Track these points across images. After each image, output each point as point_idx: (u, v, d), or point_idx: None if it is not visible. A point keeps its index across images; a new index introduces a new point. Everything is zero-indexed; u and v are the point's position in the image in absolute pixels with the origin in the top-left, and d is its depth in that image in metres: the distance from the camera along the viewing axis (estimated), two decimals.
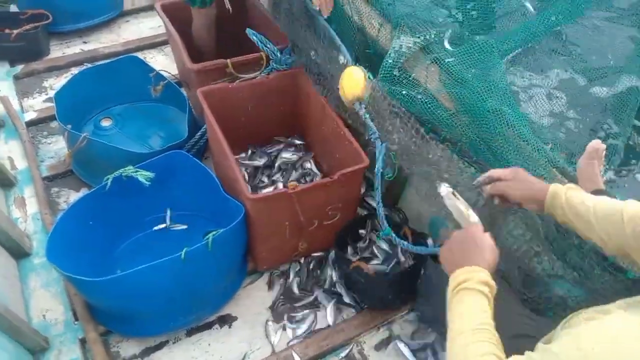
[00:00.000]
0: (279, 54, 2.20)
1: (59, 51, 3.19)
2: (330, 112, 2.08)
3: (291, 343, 1.92)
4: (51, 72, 3.04)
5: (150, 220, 2.20)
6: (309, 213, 1.90)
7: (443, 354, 1.87)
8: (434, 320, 1.92)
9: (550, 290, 1.55)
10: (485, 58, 1.66)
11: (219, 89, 2.13)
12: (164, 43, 3.21)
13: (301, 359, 1.86)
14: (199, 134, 2.33)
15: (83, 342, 1.88)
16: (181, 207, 2.22)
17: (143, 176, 1.95)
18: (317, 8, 2.02)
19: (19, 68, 3.00)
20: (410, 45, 1.76)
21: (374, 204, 2.02)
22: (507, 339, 1.00)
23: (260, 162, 2.32)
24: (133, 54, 2.92)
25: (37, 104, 2.82)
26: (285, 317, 2.00)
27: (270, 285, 2.09)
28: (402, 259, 2.04)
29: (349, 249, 2.10)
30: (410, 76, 1.79)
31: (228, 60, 2.17)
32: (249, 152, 2.40)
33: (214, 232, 1.74)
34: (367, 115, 1.80)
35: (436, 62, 1.74)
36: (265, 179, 2.30)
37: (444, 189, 1.40)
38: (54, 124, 2.66)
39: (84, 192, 2.38)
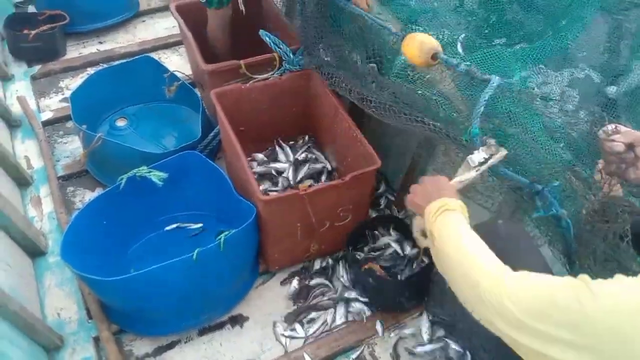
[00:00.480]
0: (291, 55, 2.20)
1: (75, 51, 3.23)
2: (343, 112, 2.08)
3: (302, 344, 1.93)
4: (67, 72, 3.08)
5: (163, 220, 2.22)
6: (321, 214, 1.91)
7: (454, 355, 1.87)
8: (446, 322, 1.91)
9: None
10: (503, 66, 1.65)
11: (232, 90, 2.14)
12: (179, 43, 3.23)
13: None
14: (212, 134, 2.34)
15: (97, 340, 1.90)
16: (194, 207, 2.23)
17: (156, 176, 1.97)
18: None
19: (36, 68, 3.04)
20: None
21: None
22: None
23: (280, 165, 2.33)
24: (148, 54, 2.93)
25: (53, 104, 2.86)
26: (297, 317, 2.00)
27: (284, 285, 2.10)
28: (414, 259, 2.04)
29: (361, 251, 2.09)
30: (425, 76, 1.77)
31: (241, 62, 2.17)
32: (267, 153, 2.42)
33: (226, 233, 1.74)
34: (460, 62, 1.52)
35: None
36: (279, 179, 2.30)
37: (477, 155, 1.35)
38: (70, 124, 2.69)
39: (98, 191, 2.40)
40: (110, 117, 2.69)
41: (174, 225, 2.23)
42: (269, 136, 2.40)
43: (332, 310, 2.01)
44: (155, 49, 3.23)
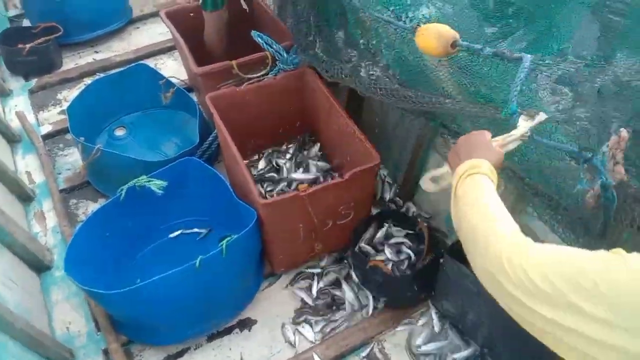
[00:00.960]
0: (285, 54, 2.18)
1: (71, 62, 3.23)
2: (338, 109, 2.06)
3: (311, 344, 1.92)
4: (64, 84, 3.08)
5: (166, 227, 2.21)
6: (322, 214, 1.89)
7: (459, 347, 1.85)
8: (453, 316, 1.89)
9: None
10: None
11: (226, 94, 2.13)
12: (174, 48, 3.21)
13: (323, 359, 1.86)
14: (210, 139, 2.33)
15: (106, 352, 1.91)
16: (196, 213, 2.22)
17: (156, 185, 1.96)
18: None
19: (33, 82, 3.04)
20: None
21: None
22: None
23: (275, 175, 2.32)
24: (142, 62, 2.93)
25: (52, 117, 2.86)
26: (306, 318, 1.99)
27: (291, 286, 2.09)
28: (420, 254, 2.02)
29: (366, 248, 2.07)
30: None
31: (233, 62, 2.16)
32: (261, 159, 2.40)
33: (228, 239, 1.73)
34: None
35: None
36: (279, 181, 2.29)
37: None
38: (69, 136, 2.68)
39: (101, 202, 2.40)
40: (109, 126, 2.69)
41: (178, 232, 2.23)
42: (267, 137, 2.39)
43: (340, 308, 2.00)
44: (150, 55, 3.23)
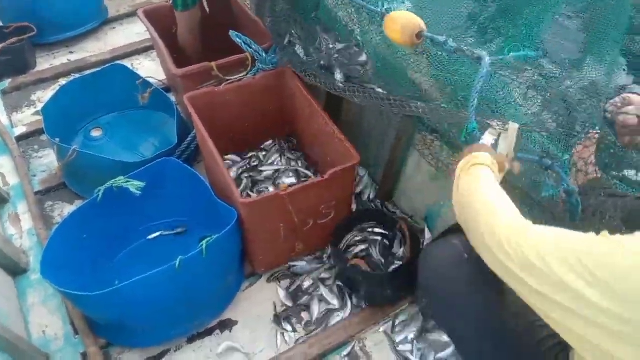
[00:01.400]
0: (264, 54, 2.18)
1: (46, 63, 3.17)
2: (318, 108, 2.06)
3: (294, 344, 1.92)
4: (39, 84, 3.02)
5: (145, 228, 2.19)
6: (303, 213, 1.89)
7: (442, 346, 1.87)
8: (434, 313, 1.90)
9: None
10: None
11: (205, 94, 2.11)
12: (151, 48, 3.19)
13: (305, 359, 1.85)
14: (188, 139, 2.31)
15: (84, 356, 1.87)
16: (175, 213, 2.20)
17: (134, 186, 1.94)
18: None
19: (7, 82, 2.98)
20: None
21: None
22: None
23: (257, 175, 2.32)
24: (119, 62, 2.90)
25: (26, 118, 2.81)
26: (287, 318, 1.99)
27: (271, 286, 2.09)
28: (400, 253, 2.03)
29: (346, 247, 2.08)
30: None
31: (213, 64, 2.15)
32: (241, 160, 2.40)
33: (207, 239, 1.72)
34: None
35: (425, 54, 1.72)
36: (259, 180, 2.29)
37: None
38: (44, 137, 2.64)
39: (77, 204, 2.36)
40: (85, 127, 2.65)
41: (157, 234, 2.20)
42: (246, 137, 2.38)
43: (321, 308, 2.00)
44: (127, 55, 3.19)
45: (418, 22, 1.44)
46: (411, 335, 1.91)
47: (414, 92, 1.66)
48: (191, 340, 1.94)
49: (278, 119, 2.38)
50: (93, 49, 3.27)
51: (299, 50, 2.00)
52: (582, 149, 1.30)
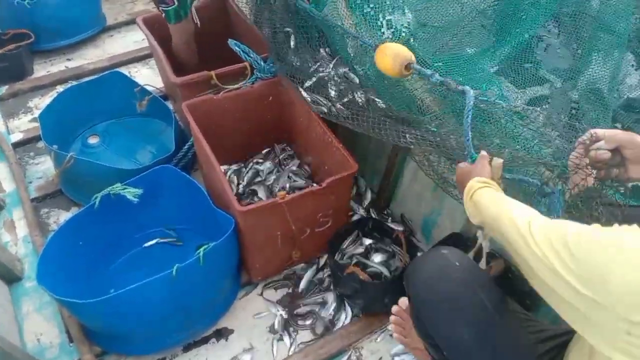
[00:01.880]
0: (262, 63, 2.19)
1: (43, 70, 3.17)
2: (316, 117, 2.06)
3: (290, 353, 1.91)
4: (36, 91, 3.02)
5: (142, 236, 2.18)
6: (301, 221, 1.89)
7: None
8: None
9: None
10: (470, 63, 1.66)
11: (204, 102, 2.11)
12: (149, 56, 3.20)
13: None
14: (186, 146, 2.31)
15: None
16: (172, 221, 2.20)
17: (131, 193, 1.93)
18: None
19: (4, 89, 2.98)
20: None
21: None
22: None
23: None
24: (117, 69, 2.90)
25: (23, 125, 2.80)
26: (283, 327, 1.98)
27: (267, 295, 2.08)
28: (397, 262, 2.04)
29: (343, 255, 2.08)
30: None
31: (212, 73, 2.16)
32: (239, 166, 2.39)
33: (204, 247, 1.72)
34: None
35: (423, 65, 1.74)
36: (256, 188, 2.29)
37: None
38: (41, 144, 2.64)
39: (74, 211, 2.36)
40: (82, 134, 2.65)
41: (154, 241, 2.20)
42: (244, 145, 2.38)
43: (317, 316, 2.00)
44: (125, 63, 3.19)
45: (407, 55, 1.53)
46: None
47: (412, 106, 1.68)
48: (187, 348, 1.93)
49: (276, 127, 2.39)
50: (91, 57, 3.28)
51: (296, 62, 2.00)
52: (576, 157, 1.31)
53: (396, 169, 2.11)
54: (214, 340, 1.96)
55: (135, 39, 3.39)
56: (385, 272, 2.00)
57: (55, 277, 1.77)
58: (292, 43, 2.02)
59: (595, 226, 0.89)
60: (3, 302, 1.97)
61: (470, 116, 1.35)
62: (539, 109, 1.42)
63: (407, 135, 1.61)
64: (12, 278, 2.09)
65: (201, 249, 1.71)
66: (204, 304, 1.90)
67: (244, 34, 2.49)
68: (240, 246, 1.94)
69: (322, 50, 1.98)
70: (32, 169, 2.58)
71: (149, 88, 2.51)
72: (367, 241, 2.10)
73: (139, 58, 3.22)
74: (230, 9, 2.64)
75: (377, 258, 2.04)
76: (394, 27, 1.67)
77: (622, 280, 0.77)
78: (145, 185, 1.99)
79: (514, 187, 1.41)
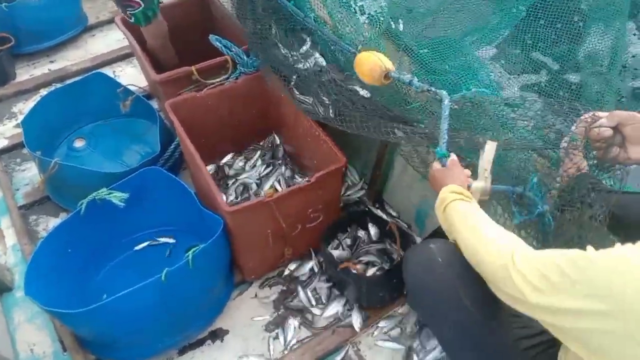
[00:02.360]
0: (245, 57, 2.14)
1: (26, 73, 3.11)
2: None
3: (286, 351, 1.89)
4: (19, 96, 2.96)
5: (131, 240, 2.15)
6: (291, 218, 1.86)
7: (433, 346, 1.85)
8: (421, 316, 1.88)
9: None
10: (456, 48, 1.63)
11: (186, 100, 2.07)
12: (132, 55, 3.14)
13: None
14: (172, 146, 2.27)
15: None
16: (162, 223, 2.17)
17: (117, 198, 1.90)
18: None
19: None
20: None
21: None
22: None
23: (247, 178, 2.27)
24: (100, 70, 2.85)
25: (7, 131, 2.76)
26: (278, 325, 1.96)
27: (262, 293, 2.05)
28: (394, 255, 2.01)
29: (336, 250, 2.05)
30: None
31: (193, 68, 2.11)
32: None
33: (194, 249, 1.69)
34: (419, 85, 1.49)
35: (407, 53, 1.70)
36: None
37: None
38: (27, 150, 2.58)
39: (63, 217, 2.32)
40: (67, 138, 2.60)
41: (145, 244, 2.17)
42: (232, 142, 2.35)
43: (313, 313, 1.97)
44: (108, 62, 3.14)
45: (382, 66, 1.51)
46: (402, 334, 1.90)
47: (398, 100, 1.64)
48: (182, 351, 1.91)
49: (263, 122, 2.35)
50: (74, 58, 3.22)
51: (279, 56, 1.95)
52: (569, 145, 1.28)
53: (386, 160, 2.07)
54: (209, 341, 1.93)
55: (118, 37, 3.31)
56: (378, 262, 1.98)
57: (44, 287, 1.74)
58: (274, 38, 1.97)
59: (576, 251, 0.89)
60: None
61: (447, 123, 1.34)
62: (530, 97, 1.38)
63: (397, 131, 1.57)
64: (2, 288, 2.06)
65: (190, 252, 1.68)
66: (197, 306, 1.88)
67: (226, 26, 2.44)
68: (231, 246, 1.91)
69: (305, 45, 1.93)
70: (18, 175, 2.54)
71: (131, 88, 2.47)
72: (360, 235, 2.07)
73: (122, 57, 3.17)
74: (211, 3, 2.59)
75: (370, 251, 2.02)
76: (367, 13, 1.62)
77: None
78: (131, 188, 1.95)
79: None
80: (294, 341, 1.91)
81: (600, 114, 1.17)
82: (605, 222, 1.15)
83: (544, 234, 1.32)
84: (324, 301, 2.00)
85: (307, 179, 1.82)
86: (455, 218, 1.19)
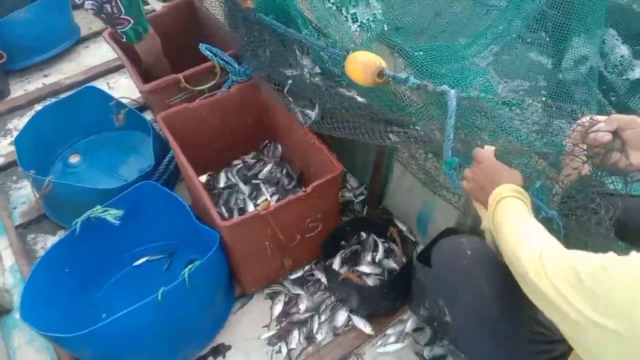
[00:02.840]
0: (237, 66, 2.10)
1: (20, 89, 3.09)
2: None
3: None
4: (14, 112, 2.95)
5: (129, 256, 2.12)
6: (288, 229, 1.82)
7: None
8: (430, 321, 1.84)
9: None
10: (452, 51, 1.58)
11: (179, 112, 2.03)
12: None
13: None
14: (167, 159, 2.23)
15: None
16: (159, 238, 2.14)
17: (111, 215, 1.87)
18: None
19: None
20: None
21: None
22: None
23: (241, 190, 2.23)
24: (94, 83, 2.83)
25: (2, 149, 2.73)
26: (281, 338, 1.92)
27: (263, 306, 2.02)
28: (393, 264, 1.97)
29: (337, 260, 2.01)
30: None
31: (180, 75, 2.07)
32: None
33: (190, 267, 1.65)
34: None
35: (402, 55, 1.65)
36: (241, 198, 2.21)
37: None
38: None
39: (61, 235, 2.30)
40: (62, 154, 2.58)
41: (143, 260, 2.14)
42: (227, 152, 2.31)
43: (316, 325, 1.93)
44: (102, 74, 3.11)
45: (378, 61, 1.45)
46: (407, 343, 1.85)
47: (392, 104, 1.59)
48: None
49: (259, 130, 2.30)
50: (67, 71, 3.19)
51: (270, 62, 1.91)
52: (571, 148, 1.23)
53: (385, 164, 2.03)
54: (211, 358, 1.90)
55: (111, 48, 3.28)
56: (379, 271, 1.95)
57: (41, 310, 1.71)
58: (265, 48, 1.93)
59: (601, 257, 0.86)
60: None
61: (453, 117, 1.26)
62: (529, 99, 1.34)
63: (391, 135, 1.53)
64: (1, 310, 2.03)
65: (186, 270, 1.65)
66: (197, 323, 1.84)
67: (215, 33, 2.39)
68: (228, 259, 1.88)
69: (297, 53, 1.88)
70: (15, 194, 2.52)
71: (124, 100, 2.44)
72: (361, 242, 2.03)
73: (115, 68, 3.13)
74: (199, 10, 2.55)
75: (368, 259, 1.98)
76: (359, 20, 1.58)
77: None
78: (126, 204, 1.92)
79: None
80: (296, 354, 1.88)
81: (599, 117, 1.11)
82: (612, 229, 1.10)
83: None
84: (326, 312, 1.95)
85: (303, 188, 1.78)
86: (509, 213, 1.13)
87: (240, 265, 1.90)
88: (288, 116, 2.02)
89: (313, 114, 1.79)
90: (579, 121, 1.14)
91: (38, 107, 2.93)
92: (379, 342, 1.88)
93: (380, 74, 1.43)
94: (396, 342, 1.87)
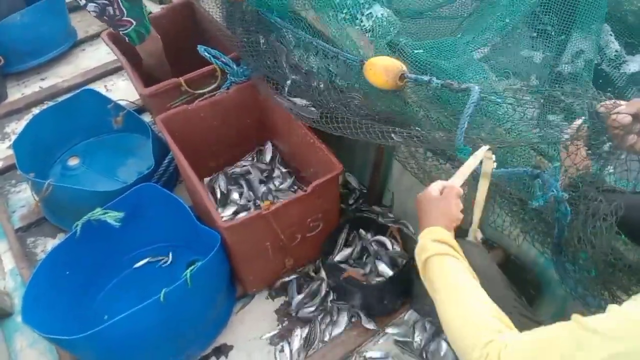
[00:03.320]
0: (235, 67, 2.10)
1: (17, 93, 3.08)
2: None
3: None
4: (12, 116, 2.94)
5: (130, 258, 2.12)
6: (289, 229, 1.83)
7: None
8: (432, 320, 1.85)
9: None
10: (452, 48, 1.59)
11: (178, 114, 2.04)
12: (123, 68, 3.09)
13: None
14: (166, 160, 2.24)
15: None
16: (160, 239, 2.14)
17: (112, 217, 1.87)
18: None
19: None
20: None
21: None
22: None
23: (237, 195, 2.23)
24: (91, 85, 2.83)
25: (0, 153, 2.73)
26: (283, 337, 1.93)
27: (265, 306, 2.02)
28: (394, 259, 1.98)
29: (338, 257, 2.02)
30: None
31: (181, 79, 2.08)
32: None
33: (191, 268, 1.66)
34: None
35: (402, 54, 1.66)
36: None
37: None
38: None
39: (61, 237, 2.30)
40: (61, 157, 2.58)
41: (144, 261, 2.14)
42: (227, 153, 2.31)
43: (318, 323, 1.94)
44: (100, 77, 3.10)
45: (398, 66, 1.46)
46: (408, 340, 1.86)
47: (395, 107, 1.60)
48: None
49: (258, 131, 2.31)
50: (65, 74, 3.18)
51: (270, 64, 1.91)
52: (570, 143, 1.25)
53: (385, 163, 2.03)
54: (213, 358, 1.90)
55: (108, 50, 3.18)
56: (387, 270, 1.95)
57: (42, 313, 1.71)
58: (263, 46, 1.93)
59: (573, 325, 0.83)
60: None
61: (472, 108, 1.27)
62: (529, 97, 1.35)
63: (393, 135, 1.53)
64: (2, 314, 2.03)
65: (188, 271, 1.65)
66: (198, 323, 1.84)
67: (214, 35, 2.40)
68: (230, 260, 1.88)
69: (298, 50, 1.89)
70: (14, 197, 2.52)
71: (122, 103, 2.44)
72: (362, 241, 2.04)
73: (113, 70, 3.13)
74: (197, 12, 2.55)
75: (373, 258, 1.98)
76: (374, 17, 1.59)
77: None
78: (127, 206, 1.92)
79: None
80: (299, 353, 1.88)
81: (621, 101, 1.14)
82: (614, 227, 1.11)
83: (559, 228, 1.28)
84: (328, 311, 1.96)
85: (304, 188, 1.79)
86: (438, 277, 1.10)
87: (241, 265, 1.91)
88: (287, 116, 2.03)
89: (313, 114, 1.78)
90: (602, 103, 1.16)
91: (36, 110, 2.92)
92: (381, 341, 1.89)
93: (402, 76, 1.45)
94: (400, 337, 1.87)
